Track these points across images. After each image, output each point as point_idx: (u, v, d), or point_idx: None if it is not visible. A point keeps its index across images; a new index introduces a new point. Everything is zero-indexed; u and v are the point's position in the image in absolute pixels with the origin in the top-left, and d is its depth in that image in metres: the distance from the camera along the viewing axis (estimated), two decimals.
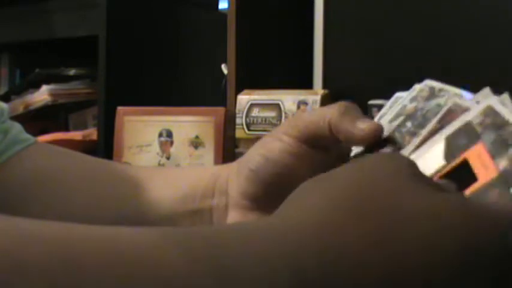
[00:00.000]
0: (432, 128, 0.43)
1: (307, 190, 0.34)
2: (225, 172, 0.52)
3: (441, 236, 0.30)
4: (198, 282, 0.26)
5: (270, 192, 0.48)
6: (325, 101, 1.19)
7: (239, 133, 1.24)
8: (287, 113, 1.20)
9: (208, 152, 1.23)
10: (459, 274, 0.30)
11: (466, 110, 0.42)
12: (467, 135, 0.39)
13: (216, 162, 1.22)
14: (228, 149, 1.23)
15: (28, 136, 0.59)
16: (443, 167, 0.39)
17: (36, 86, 1.65)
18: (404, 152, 0.43)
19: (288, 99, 1.21)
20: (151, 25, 1.60)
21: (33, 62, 1.74)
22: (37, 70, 1.68)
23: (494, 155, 0.37)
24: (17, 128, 0.59)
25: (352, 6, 1.27)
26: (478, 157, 0.38)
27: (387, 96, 1.08)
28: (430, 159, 0.40)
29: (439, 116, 0.44)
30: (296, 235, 0.30)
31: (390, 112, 0.48)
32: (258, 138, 1.31)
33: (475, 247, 0.31)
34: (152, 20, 1.60)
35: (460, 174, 0.38)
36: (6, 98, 1.67)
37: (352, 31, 1.28)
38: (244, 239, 0.29)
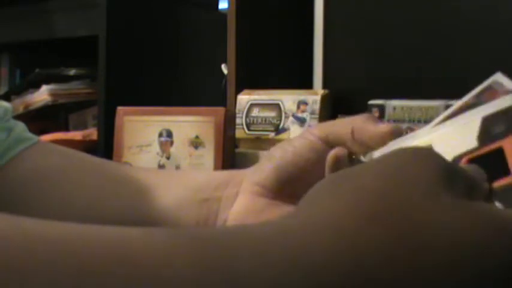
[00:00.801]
0: (468, 100, 0.40)
1: (324, 191, 0.33)
2: (243, 172, 0.54)
3: (459, 253, 0.29)
4: (207, 286, 0.26)
5: (282, 180, 0.50)
6: (325, 101, 1.19)
7: (239, 133, 1.24)
8: (287, 113, 1.20)
9: (208, 152, 1.23)
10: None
11: (507, 91, 0.40)
12: (507, 121, 0.36)
13: (216, 162, 1.22)
14: (228, 149, 1.23)
15: (31, 135, 0.59)
16: (476, 149, 0.37)
17: (36, 86, 1.65)
18: (435, 120, 0.41)
19: (288, 99, 1.21)
20: (151, 25, 1.60)
21: (33, 62, 1.74)
22: (37, 70, 1.68)
23: None
24: (20, 127, 0.59)
25: (352, 6, 1.27)
26: None
27: (387, 96, 1.08)
28: (463, 136, 0.37)
29: (478, 89, 0.41)
30: (310, 239, 0.29)
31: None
32: (258, 138, 1.32)
33: (495, 265, 0.30)
34: (152, 20, 1.60)
35: (492, 162, 0.35)
36: (6, 98, 1.67)
37: (352, 31, 1.28)
38: (255, 240, 0.29)
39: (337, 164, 0.48)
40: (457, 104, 0.41)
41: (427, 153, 0.34)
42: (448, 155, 0.35)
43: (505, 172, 0.35)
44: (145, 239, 0.27)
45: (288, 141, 0.52)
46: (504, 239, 0.30)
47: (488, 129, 0.37)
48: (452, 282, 0.29)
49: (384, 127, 0.48)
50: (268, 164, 0.51)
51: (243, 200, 0.51)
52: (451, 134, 0.36)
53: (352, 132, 0.49)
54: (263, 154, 0.55)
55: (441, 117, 0.41)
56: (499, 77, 0.41)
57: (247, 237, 0.29)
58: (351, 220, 0.30)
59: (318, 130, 0.51)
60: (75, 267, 0.24)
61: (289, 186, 0.50)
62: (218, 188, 0.53)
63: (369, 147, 0.49)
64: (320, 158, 0.50)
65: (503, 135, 0.36)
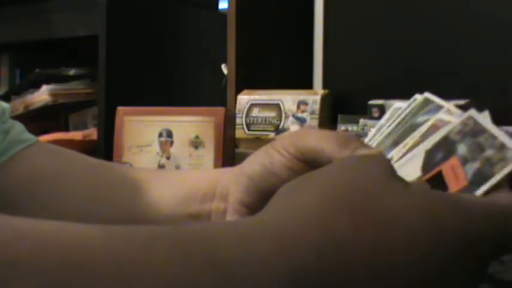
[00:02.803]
0: (415, 142, 0.46)
1: (296, 187, 0.35)
2: (226, 177, 0.52)
3: (422, 231, 0.32)
4: (192, 279, 0.27)
5: (266, 201, 0.49)
6: (325, 101, 1.19)
7: (239, 133, 1.24)
8: (287, 113, 1.20)
9: (208, 152, 1.23)
10: (451, 261, 0.32)
11: (446, 123, 0.45)
12: (445, 148, 0.42)
13: (216, 162, 1.22)
14: (228, 149, 1.23)
15: (30, 136, 0.59)
16: (420, 178, 0.42)
17: (36, 86, 1.65)
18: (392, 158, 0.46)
19: (288, 99, 1.21)
20: (151, 25, 1.60)
21: (33, 62, 1.74)
22: (37, 70, 1.68)
23: (469, 159, 0.41)
24: (18, 128, 0.59)
25: (352, 6, 1.27)
26: (452, 169, 0.41)
27: (387, 96, 1.08)
28: (409, 170, 0.43)
29: (422, 130, 0.47)
30: (289, 231, 0.31)
31: (389, 125, 0.51)
32: (258, 138, 1.32)
33: (455, 240, 0.33)
34: (152, 20, 1.60)
35: (434, 183, 0.41)
36: (6, 98, 1.67)
37: (352, 31, 1.28)
38: (239, 235, 0.30)
39: None
40: (408, 144, 0.47)
41: (378, 155, 0.40)
42: None
43: (445, 190, 0.40)
44: (133, 236, 0.28)
45: (266, 155, 0.49)
46: (456, 214, 0.34)
47: (430, 160, 0.43)
48: (416, 253, 0.32)
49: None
50: (250, 183, 0.49)
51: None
52: (400, 169, 0.41)
53: (329, 159, 0.45)
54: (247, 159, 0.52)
55: (394, 159, 0.46)
56: (440, 115, 0.47)
57: (226, 231, 0.31)
58: (325, 210, 0.32)
59: (292, 149, 0.47)
60: (64, 264, 0.25)
61: None
62: (204, 200, 0.52)
63: None
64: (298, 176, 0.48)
65: (442, 161, 0.42)
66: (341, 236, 0.31)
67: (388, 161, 0.38)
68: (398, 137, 0.48)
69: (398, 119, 0.50)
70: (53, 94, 1.62)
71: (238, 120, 1.24)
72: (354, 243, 0.31)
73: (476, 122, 0.42)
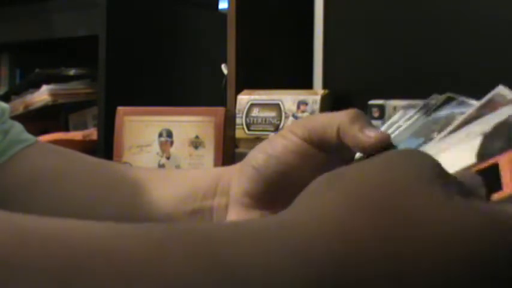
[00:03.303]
0: (471, 113, 0.41)
1: (321, 186, 0.33)
2: (227, 173, 0.52)
3: (448, 243, 0.30)
4: (201, 282, 0.26)
5: (271, 190, 0.48)
6: (325, 101, 1.19)
7: (239, 133, 1.24)
8: (287, 113, 1.20)
9: (208, 152, 1.23)
10: (464, 281, 0.30)
11: (509, 102, 0.40)
12: (505, 135, 0.37)
13: (216, 162, 1.22)
14: (228, 149, 1.23)
15: (29, 136, 0.59)
16: (472, 165, 0.37)
17: (36, 86, 1.65)
18: (439, 136, 0.41)
19: (288, 99, 1.21)
20: (151, 25, 1.59)
21: (33, 62, 1.74)
22: (37, 70, 1.68)
23: None
24: (17, 128, 0.59)
25: (352, 6, 1.27)
26: (510, 164, 0.36)
27: (387, 96, 1.08)
28: (462, 153, 0.38)
29: (481, 102, 0.41)
30: (307, 233, 0.29)
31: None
32: (258, 138, 1.32)
33: (483, 256, 0.30)
34: (152, 20, 1.60)
35: (487, 177, 0.36)
36: (6, 98, 1.67)
37: (352, 31, 1.28)
38: (251, 236, 0.29)
39: None
40: (461, 117, 0.41)
41: (420, 153, 0.35)
42: (448, 170, 0.36)
43: (499, 187, 0.35)
44: (138, 235, 0.27)
45: (269, 143, 0.48)
46: (496, 234, 0.31)
47: (487, 146, 0.37)
48: (443, 274, 0.29)
49: (370, 135, 0.44)
50: (254, 172, 0.48)
51: (235, 213, 0.50)
52: (452, 150, 0.37)
53: (338, 134, 0.45)
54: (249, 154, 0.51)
55: (446, 131, 0.41)
56: (501, 90, 0.42)
57: (244, 232, 0.29)
58: (349, 216, 0.30)
59: (300, 129, 0.47)
60: (69, 264, 0.24)
61: (277, 194, 0.48)
62: (206, 197, 0.51)
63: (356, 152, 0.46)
64: (306, 161, 0.47)
65: (500, 151, 0.36)
66: (362, 241, 0.29)
67: (434, 161, 0.34)
68: (418, 129, 0.44)
69: (417, 115, 0.46)
70: (53, 94, 1.62)
71: (238, 120, 1.24)
72: (374, 249, 0.29)
73: None
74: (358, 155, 0.47)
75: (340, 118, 0.45)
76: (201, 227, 0.31)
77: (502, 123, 0.38)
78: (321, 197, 0.32)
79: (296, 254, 0.28)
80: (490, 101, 0.42)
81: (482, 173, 0.37)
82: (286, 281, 0.27)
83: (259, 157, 0.48)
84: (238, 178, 0.50)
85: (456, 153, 0.38)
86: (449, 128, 0.41)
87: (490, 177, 0.36)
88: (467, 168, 0.37)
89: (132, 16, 1.56)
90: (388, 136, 0.44)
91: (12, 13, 1.68)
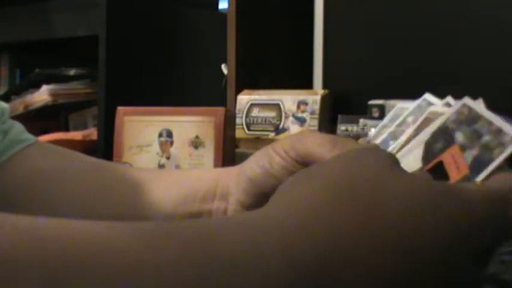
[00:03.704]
0: (410, 134, 0.46)
1: (297, 181, 0.35)
2: (226, 176, 0.52)
3: (426, 212, 0.32)
4: (193, 275, 0.27)
5: (265, 202, 0.49)
6: (325, 101, 1.19)
7: (239, 133, 1.24)
8: (287, 113, 1.20)
9: (208, 152, 1.23)
10: (451, 252, 0.32)
11: (440, 115, 0.45)
12: (444, 138, 0.42)
13: (216, 162, 1.22)
14: (228, 149, 1.23)
15: (29, 136, 0.59)
16: (420, 169, 0.42)
17: (36, 86, 1.65)
18: None
19: (288, 99, 1.21)
20: (151, 25, 1.59)
21: (33, 62, 1.74)
22: (37, 70, 1.68)
23: (467, 147, 0.41)
24: (17, 128, 0.59)
25: (352, 6, 1.27)
26: (452, 158, 0.41)
27: (387, 96, 1.08)
28: (409, 163, 0.43)
29: (416, 124, 0.47)
30: (292, 225, 0.31)
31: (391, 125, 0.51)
32: (258, 138, 1.32)
33: (464, 225, 0.33)
34: (152, 20, 1.60)
35: (435, 174, 0.40)
36: (6, 98, 1.67)
37: (352, 31, 1.28)
38: (237, 230, 0.30)
39: None
40: (400, 140, 0.47)
41: (378, 148, 0.41)
42: None
43: (446, 179, 0.41)
44: (132, 234, 0.28)
45: (267, 157, 0.49)
46: (458, 203, 0.34)
47: (430, 150, 0.43)
48: (417, 242, 0.32)
49: None
50: (250, 184, 0.49)
51: None
52: (400, 161, 0.41)
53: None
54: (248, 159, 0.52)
55: (393, 151, 0.46)
56: (432, 108, 0.48)
57: (230, 226, 0.31)
58: (326, 202, 0.32)
59: (294, 153, 0.48)
60: (70, 264, 0.24)
61: None
62: (205, 199, 0.52)
63: None
64: None
65: (442, 151, 0.42)
66: (344, 227, 0.31)
67: (389, 152, 0.38)
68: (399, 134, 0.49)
69: (402, 118, 0.51)
70: (53, 94, 1.62)
71: (238, 120, 1.24)
72: (355, 237, 0.31)
73: (471, 109, 0.42)
74: None
75: (330, 150, 0.46)
76: (190, 223, 0.32)
77: (439, 128, 0.43)
78: (298, 193, 0.34)
79: (279, 247, 0.29)
80: (425, 120, 0.47)
81: (430, 171, 0.41)
82: (270, 272, 0.28)
83: (257, 171, 0.49)
84: (235, 186, 0.51)
85: (405, 163, 0.42)
86: (396, 147, 0.47)
87: (438, 173, 0.41)
88: (417, 171, 0.42)
89: (132, 16, 1.56)
90: None
91: (12, 13, 1.68)
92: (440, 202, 0.33)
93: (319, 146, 0.47)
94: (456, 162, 0.41)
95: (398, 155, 0.44)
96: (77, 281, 0.24)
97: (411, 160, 0.43)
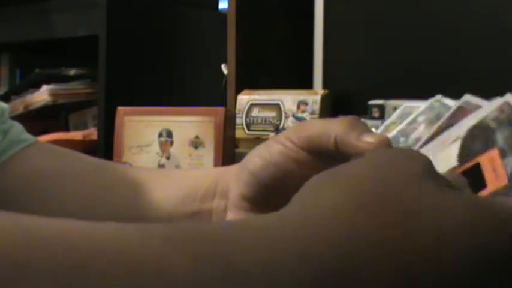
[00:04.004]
0: (442, 124, 0.43)
1: (320, 183, 0.33)
2: (226, 175, 0.52)
3: (452, 233, 0.30)
4: (203, 282, 0.26)
5: (268, 194, 0.48)
6: (325, 101, 1.19)
7: (239, 133, 1.24)
8: (287, 113, 1.20)
9: (208, 152, 1.23)
10: (468, 270, 0.30)
11: (476, 108, 0.42)
12: (483, 137, 0.39)
13: (216, 162, 1.22)
14: (228, 149, 1.23)
15: (28, 136, 0.59)
16: (455, 168, 0.39)
17: (36, 86, 1.65)
18: (417, 144, 0.43)
19: (288, 99, 1.21)
20: (151, 25, 1.60)
21: (33, 62, 1.74)
22: (37, 70, 1.68)
23: (507, 152, 0.37)
24: (17, 128, 0.59)
25: (352, 6, 1.27)
26: (491, 163, 0.37)
27: (387, 96, 1.08)
28: (444, 158, 0.40)
29: (450, 112, 0.43)
30: (307, 230, 0.29)
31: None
32: (258, 138, 1.32)
33: (485, 245, 0.31)
34: (152, 20, 1.60)
35: (471, 177, 0.37)
36: (6, 98, 1.67)
37: (352, 31, 1.28)
38: (251, 234, 0.29)
39: None
40: (434, 127, 0.44)
41: (413, 151, 0.36)
42: None
43: (482, 186, 0.37)
44: (141, 235, 0.27)
45: (266, 148, 0.49)
46: (489, 222, 0.31)
47: (467, 148, 0.39)
48: (440, 257, 0.30)
49: (370, 141, 0.44)
50: (250, 177, 0.49)
51: (233, 216, 0.50)
52: (433, 156, 0.38)
53: (335, 142, 0.45)
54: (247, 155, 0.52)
55: (422, 141, 0.44)
56: (468, 98, 0.44)
57: (243, 231, 0.29)
58: (348, 210, 0.30)
59: (297, 138, 0.47)
60: (74, 264, 0.24)
61: (273, 198, 0.48)
62: (205, 198, 0.52)
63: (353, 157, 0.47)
64: (303, 168, 0.47)
65: (480, 152, 0.39)
66: (364, 235, 0.29)
67: (426, 157, 0.35)
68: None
69: (412, 116, 0.49)
70: (53, 94, 1.62)
71: (238, 120, 1.24)
72: (377, 243, 0.29)
73: None
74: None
75: (336, 128, 0.45)
76: (201, 226, 0.31)
77: (477, 125, 0.40)
78: (321, 194, 0.32)
79: (296, 252, 0.28)
80: (458, 109, 0.44)
81: (465, 174, 0.38)
82: (286, 278, 0.27)
83: (257, 162, 0.49)
84: (236, 182, 0.50)
85: (438, 159, 0.39)
86: (425, 137, 0.44)
87: (474, 177, 0.38)
88: (451, 171, 0.39)
89: (132, 16, 1.56)
90: (387, 138, 0.44)
91: (12, 13, 1.68)
92: (472, 220, 0.31)
93: (325, 126, 0.45)
94: (495, 169, 0.37)
95: (430, 146, 0.42)
96: (83, 283, 0.24)
97: (446, 156, 0.40)
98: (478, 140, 0.39)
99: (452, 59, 1.15)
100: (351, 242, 0.29)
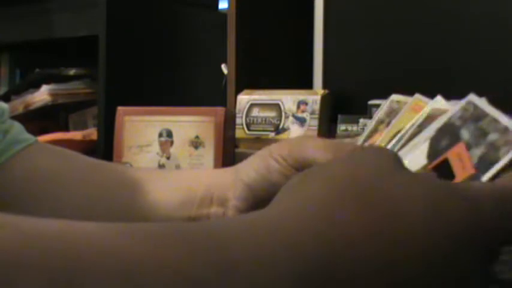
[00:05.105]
0: (412, 132, 0.46)
1: (301, 181, 0.35)
2: (222, 181, 0.53)
3: (435, 218, 0.32)
4: (198, 276, 0.26)
5: (261, 206, 0.49)
6: (325, 101, 1.19)
7: (239, 133, 1.24)
8: (287, 113, 1.20)
9: (208, 152, 1.23)
10: (457, 252, 0.32)
11: (443, 112, 0.44)
12: (449, 135, 0.42)
13: (216, 162, 1.22)
14: (228, 149, 1.23)
15: (28, 136, 0.59)
16: (425, 166, 0.42)
17: (36, 86, 1.65)
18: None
19: (288, 99, 1.21)
20: (151, 25, 1.59)
21: (33, 62, 1.74)
22: (37, 70, 1.68)
23: (473, 145, 0.40)
24: (17, 128, 0.59)
25: (352, 6, 1.27)
26: (458, 156, 0.40)
27: (387, 96, 1.08)
28: (414, 159, 0.42)
29: (419, 121, 0.46)
30: (297, 225, 0.31)
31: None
32: (258, 138, 1.32)
33: (455, 223, 0.32)
34: (152, 20, 1.60)
35: (441, 172, 0.40)
36: (6, 98, 1.67)
37: (352, 31, 1.28)
38: (243, 230, 0.30)
39: None
40: (404, 136, 0.46)
41: (381, 148, 0.40)
42: None
43: (452, 178, 0.40)
44: (139, 235, 0.27)
45: (262, 162, 0.50)
46: (463, 203, 0.33)
47: (435, 147, 0.42)
48: (422, 244, 0.31)
49: None
50: (245, 188, 0.50)
51: None
52: (406, 158, 0.41)
53: None
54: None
55: (397, 147, 0.46)
56: (436, 104, 0.47)
57: (233, 227, 0.31)
58: (330, 200, 0.32)
59: (290, 158, 0.48)
60: (69, 265, 0.24)
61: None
62: (202, 204, 0.52)
63: None
64: None
65: (447, 148, 0.41)
66: (348, 229, 0.31)
67: (393, 152, 0.38)
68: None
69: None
70: (53, 94, 1.62)
71: (238, 120, 1.24)
72: (360, 236, 0.30)
73: (476, 107, 0.41)
74: None
75: (324, 156, 0.47)
76: (196, 225, 0.32)
77: (444, 125, 0.43)
78: (303, 191, 0.34)
79: (285, 247, 0.29)
80: (427, 118, 0.46)
81: (435, 169, 0.41)
82: (276, 273, 0.28)
83: (253, 177, 0.50)
84: (232, 191, 0.51)
85: (410, 160, 0.42)
86: (399, 143, 0.46)
87: (443, 171, 0.40)
88: (422, 169, 0.42)
89: (132, 16, 1.56)
90: None
91: (12, 13, 1.68)
92: (444, 201, 0.33)
93: (319, 151, 0.47)
94: (462, 161, 0.40)
95: (402, 151, 0.44)
96: (82, 283, 0.24)
97: (416, 156, 0.43)
98: (445, 138, 0.42)
99: (453, 59, 1.15)
100: (336, 237, 0.30)
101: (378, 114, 0.53)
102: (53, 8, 1.60)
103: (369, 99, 1.11)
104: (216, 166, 1.21)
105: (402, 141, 0.45)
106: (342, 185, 0.33)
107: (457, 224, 0.32)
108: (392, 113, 0.51)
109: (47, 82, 1.64)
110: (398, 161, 0.36)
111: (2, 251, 0.23)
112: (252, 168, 0.50)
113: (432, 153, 0.42)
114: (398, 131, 0.49)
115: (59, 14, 1.59)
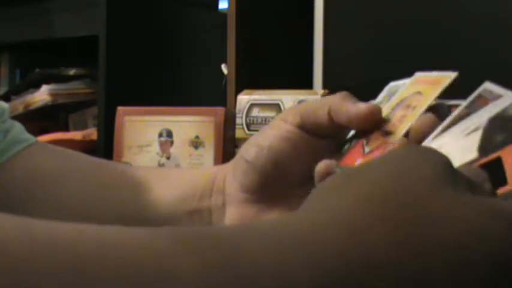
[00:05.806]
0: (460, 112, 0.41)
1: (329, 189, 0.33)
2: (222, 171, 0.53)
3: (464, 240, 0.29)
4: (213, 287, 0.25)
5: (267, 182, 0.49)
6: None
7: (239, 133, 1.24)
8: None
9: (208, 152, 1.23)
10: (486, 277, 0.29)
11: (497, 97, 0.40)
12: (504, 129, 0.37)
13: (216, 162, 1.21)
14: (228, 149, 1.23)
15: (29, 136, 0.59)
16: (475, 159, 0.37)
17: (36, 86, 1.65)
18: (432, 134, 0.41)
19: (288, 99, 1.21)
20: (151, 25, 1.59)
21: (33, 62, 1.74)
22: (37, 70, 1.68)
23: None
24: (17, 128, 0.59)
25: (352, 6, 1.27)
26: None
27: None
28: (462, 148, 0.38)
29: (468, 100, 0.41)
30: (317, 236, 0.29)
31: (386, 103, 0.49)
32: None
33: (496, 252, 0.30)
34: (152, 20, 1.60)
35: (491, 172, 0.35)
36: (6, 98, 1.67)
37: (352, 31, 1.28)
38: (260, 240, 0.28)
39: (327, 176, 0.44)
40: (451, 116, 0.41)
41: (432, 152, 0.34)
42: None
43: (503, 181, 0.35)
44: (150, 239, 0.27)
45: (261, 134, 0.50)
46: (501, 229, 0.30)
47: (488, 140, 0.37)
48: (455, 271, 0.29)
49: (362, 107, 0.46)
50: (247, 166, 0.49)
51: (233, 211, 0.50)
52: (452, 147, 0.37)
53: (330, 114, 0.46)
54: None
55: (439, 129, 0.41)
56: (487, 86, 0.42)
57: (253, 235, 0.29)
58: (360, 217, 0.29)
59: (292, 116, 0.48)
60: (82, 270, 0.24)
61: (272, 186, 0.49)
62: (203, 196, 0.52)
63: (348, 130, 0.47)
64: (298, 149, 0.48)
65: (502, 145, 0.36)
66: (374, 246, 0.28)
67: (443, 156, 0.33)
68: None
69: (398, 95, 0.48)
70: (53, 94, 1.62)
71: (238, 120, 1.24)
72: (387, 255, 0.28)
73: None
74: (350, 135, 0.48)
75: (331, 99, 0.47)
76: (210, 230, 0.30)
77: (498, 116, 0.37)
78: (332, 199, 0.31)
79: (306, 257, 0.28)
80: (478, 97, 0.42)
81: (485, 167, 0.36)
82: (296, 285, 0.27)
83: (251, 150, 0.49)
84: (232, 174, 0.51)
85: (457, 149, 0.37)
86: (441, 125, 0.41)
87: (494, 171, 0.35)
88: (471, 163, 0.37)
89: (132, 16, 1.56)
90: (379, 108, 0.46)
91: (12, 13, 1.68)
92: (484, 230, 0.30)
93: (321, 100, 0.47)
94: None
95: (447, 137, 0.40)
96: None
97: (466, 146, 0.37)
98: (500, 132, 0.37)
99: (453, 58, 1.15)
100: (360, 249, 0.28)
101: (377, 98, 0.52)
102: (53, 8, 1.60)
103: (369, 99, 1.11)
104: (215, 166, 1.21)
105: (447, 122, 0.41)
106: (375, 196, 0.30)
107: (494, 253, 0.29)
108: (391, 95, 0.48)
109: (47, 82, 1.64)
110: (447, 169, 0.32)
111: (12, 258, 0.23)
112: (250, 144, 0.50)
113: (484, 147, 0.37)
114: (402, 100, 0.47)
115: (59, 14, 1.59)
